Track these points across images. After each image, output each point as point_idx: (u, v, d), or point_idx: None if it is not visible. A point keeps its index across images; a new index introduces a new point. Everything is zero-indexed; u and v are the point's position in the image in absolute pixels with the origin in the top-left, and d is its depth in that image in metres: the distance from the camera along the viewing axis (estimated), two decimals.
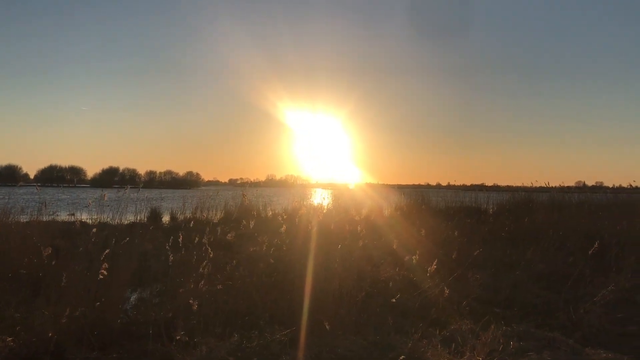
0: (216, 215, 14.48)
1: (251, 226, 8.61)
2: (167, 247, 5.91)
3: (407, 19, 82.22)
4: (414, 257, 7.18)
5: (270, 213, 14.53)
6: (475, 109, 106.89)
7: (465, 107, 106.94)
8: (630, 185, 18.10)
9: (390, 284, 6.23)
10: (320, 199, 16.75)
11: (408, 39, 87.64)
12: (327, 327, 4.44)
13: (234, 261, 6.70)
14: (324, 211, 13.87)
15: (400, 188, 25.92)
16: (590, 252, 6.64)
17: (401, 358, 4.01)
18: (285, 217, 11.31)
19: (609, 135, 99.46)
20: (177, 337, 4.42)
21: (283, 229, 7.59)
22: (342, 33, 76.57)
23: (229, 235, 8.34)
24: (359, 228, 8.69)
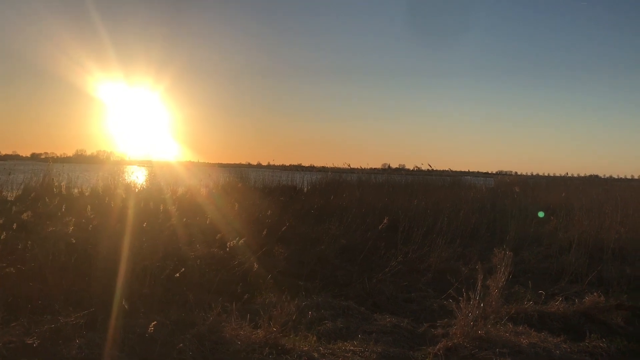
0: (11, 193, 12.97)
1: (55, 205, 7.95)
2: None
3: None
4: (226, 234, 7.27)
5: (77, 191, 13.44)
6: (295, 92, 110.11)
7: (286, 89, 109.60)
8: (428, 168, 20.26)
9: (199, 261, 6.23)
10: (135, 176, 15.96)
11: (228, 11, 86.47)
12: (127, 307, 4.30)
13: (29, 242, 6.11)
14: (138, 189, 13.29)
15: (222, 166, 25.78)
16: (380, 227, 7.33)
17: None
18: (94, 195, 10.60)
19: (411, 121, 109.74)
20: None
21: (89, 208, 7.15)
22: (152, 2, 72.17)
23: (25, 214, 7.59)
24: (172, 207, 8.51)
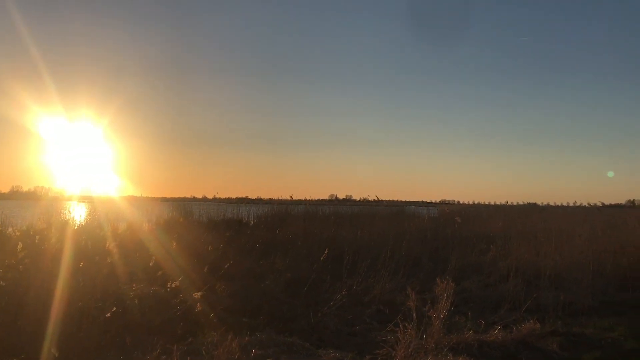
0: None
1: None
2: None
3: (179, 22, 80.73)
4: (169, 271, 7.11)
5: (10, 230, 12.83)
6: (239, 123, 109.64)
7: (233, 120, 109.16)
8: (375, 199, 20.66)
9: (136, 301, 6.05)
10: (74, 213, 15.43)
11: (173, 44, 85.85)
12: (56, 354, 4.12)
13: None
14: (76, 226, 12.84)
15: (165, 200, 25.32)
16: (321, 258, 7.34)
17: None
18: (27, 233, 10.13)
19: (357, 152, 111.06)
20: None
21: (21, 247, 6.85)
22: (100, 31, 70.27)
23: None
24: (112, 244, 8.28)
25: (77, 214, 14.85)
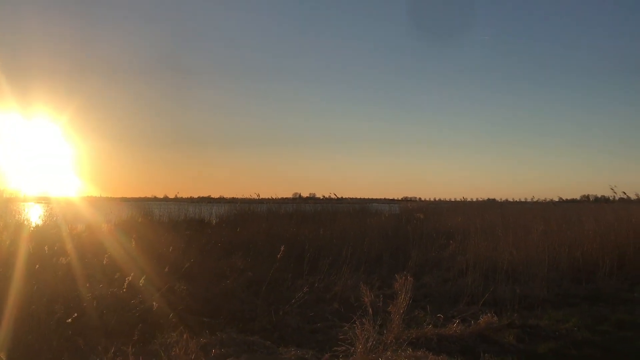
0: None
1: None
2: None
3: (135, 21, 79.02)
4: (128, 272, 6.98)
5: None
6: (201, 122, 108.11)
7: (191, 119, 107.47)
8: (335, 196, 20.74)
9: (94, 302, 5.92)
10: (30, 214, 15.00)
11: (136, 40, 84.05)
12: (5, 357, 3.99)
13: None
14: (32, 228, 12.51)
15: (125, 201, 24.86)
16: (278, 256, 7.31)
17: None
18: None
19: (321, 150, 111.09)
20: None
21: None
22: (57, 29, 68.06)
23: None
24: (70, 245, 8.10)
25: (33, 215, 14.47)
